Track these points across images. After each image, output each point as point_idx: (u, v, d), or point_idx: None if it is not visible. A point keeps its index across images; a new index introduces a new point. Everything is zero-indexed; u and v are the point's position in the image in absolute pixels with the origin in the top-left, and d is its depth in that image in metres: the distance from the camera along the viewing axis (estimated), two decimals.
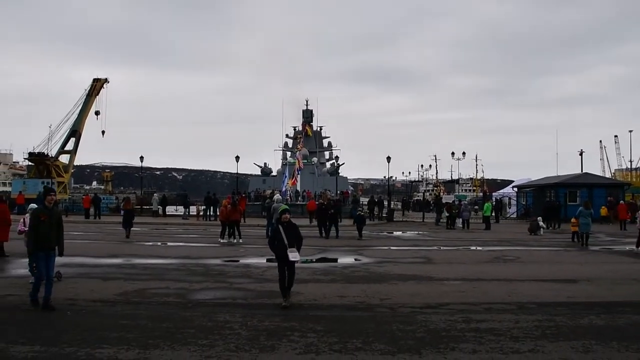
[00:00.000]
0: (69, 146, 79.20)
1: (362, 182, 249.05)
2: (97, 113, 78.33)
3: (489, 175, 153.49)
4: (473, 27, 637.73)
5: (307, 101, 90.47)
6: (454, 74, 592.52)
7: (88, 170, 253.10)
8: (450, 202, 45.73)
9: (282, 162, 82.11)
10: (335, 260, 19.64)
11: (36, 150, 76.10)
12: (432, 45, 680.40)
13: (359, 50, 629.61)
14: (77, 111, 78.24)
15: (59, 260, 10.97)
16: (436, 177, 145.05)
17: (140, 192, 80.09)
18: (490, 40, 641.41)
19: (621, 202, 40.18)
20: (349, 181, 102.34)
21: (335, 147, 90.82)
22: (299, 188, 56.23)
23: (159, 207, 49.42)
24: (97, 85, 78.57)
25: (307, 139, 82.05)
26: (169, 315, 9.92)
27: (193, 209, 48.38)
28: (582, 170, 57.68)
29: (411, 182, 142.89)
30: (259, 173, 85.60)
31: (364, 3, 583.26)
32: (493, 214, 41.23)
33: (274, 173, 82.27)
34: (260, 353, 7.64)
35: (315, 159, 79.74)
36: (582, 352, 7.77)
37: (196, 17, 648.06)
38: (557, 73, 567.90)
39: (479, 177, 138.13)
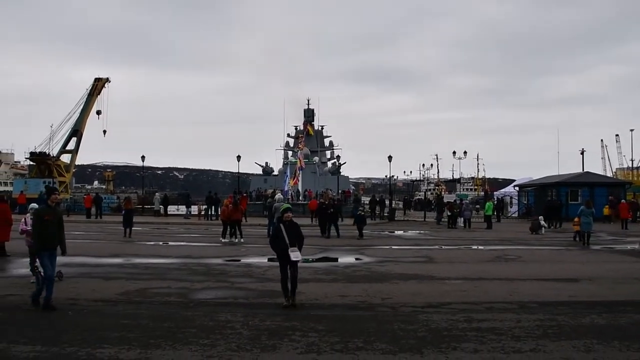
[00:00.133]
0: (71, 146, 79.49)
1: (364, 182, 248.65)
2: (98, 112, 78.56)
3: (490, 174, 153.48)
4: (473, 27, 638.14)
5: (308, 101, 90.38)
6: (454, 74, 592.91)
7: (89, 170, 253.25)
8: (452, 201, 45.70)
9: (284, 162, 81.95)
10: (337, 259, 19.63)
11: (37, 150, 76.27)
12: (432, 45, 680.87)
13: (359, 50, 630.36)
14: (79, 111, 78.54)
15: (60, 259, 10.98)
16: (438, 176, 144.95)
17: (141, 191, 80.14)
18: (491, 40, 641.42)
19: (623, 201, 40.13)
20: (351, 180, 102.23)
21: (337, 146, 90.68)
22: (300, 188, 56.17)
23: (161, 206, 49.41)
24: (99, 84, 78.76)
25: (309, 138, 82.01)
26: (171, 315, 9.92)
27: (194, 209, 48.35)
28: (583, 170, 57.55)
29: (413, 181, 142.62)
30: (261, 172, 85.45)
31: (364, 3, 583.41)
32: (494, 213, 41.19)
33: (276, 172, 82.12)
34: (262, 353, 7.63)
35: (316, 159, 79.60)
36: (584, 352, 7.76)
37: (196, 17, 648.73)
38: (557, 73, 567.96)
39: (480, 177, 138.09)
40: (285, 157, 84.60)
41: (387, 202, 51.76)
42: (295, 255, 10.66)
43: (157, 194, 60.67)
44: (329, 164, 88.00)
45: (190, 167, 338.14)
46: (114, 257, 18.86)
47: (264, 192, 54.46)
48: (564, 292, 12.70)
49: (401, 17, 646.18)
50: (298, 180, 55.46)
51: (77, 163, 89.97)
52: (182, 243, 25.13)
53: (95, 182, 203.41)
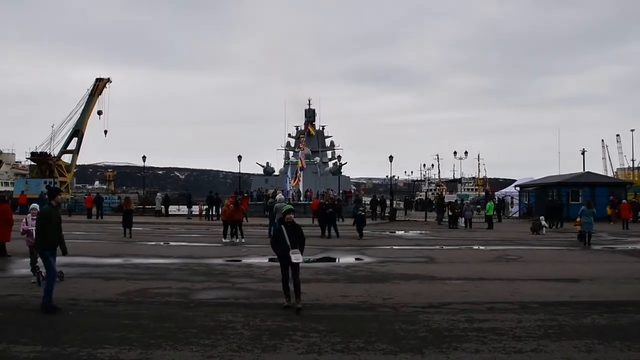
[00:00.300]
0: (72, 146, 79.49)
1: (365, 182, 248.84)
2: (99, 113, 78.56)
3: (491, 174, 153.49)
4: (473, 27, 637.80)
5: (309, 101, 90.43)
6: (454, 74, 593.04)
7: (90, 170, 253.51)
8: (453, 201, 45.68)
9: (285, 162, 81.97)
10: (338, 259, 19.65)
11: (38, 150, 76.26)
12: (433, 45, 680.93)
13: (359, 50, 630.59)
14: (80, 111, 78.54)
15: (60, 260, 10.99)
16: (438, 176, 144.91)
17: (142, 191, 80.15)
18: (491, 40, 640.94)
19: (624, 201, 40.09)
20: (352, 181, 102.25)
21: (338, 146, 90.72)
22: (301, 188, 56.18)
23: (162, 206, 49.43)
24: (100, 85, 78.78)
25: (310, 138, 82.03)
26: (171, 315, 9.92)
27: (196, 209, 48.38)
28: (584, 170, 57.54)
29: (414, 181, 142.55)
30: (262, 173, 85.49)
31: (363, 3, 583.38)
32: (495, 214, 41.18)
33: (277, 172, 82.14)
34: (263, 353, 7.63)
35: (317, 159, 79.64)
36: (585, 352, 7.75)
37: (196, 17, 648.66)
38: (557, 73, 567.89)
39: (481, 177, 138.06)
40: (286, 157, 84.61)
41: (388, 202, 51.71)
42: (296, 257, 10.54)
43: (158, 194, 60.70)
44: (330, 164, 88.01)
45: (191, 167, 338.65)
46: (115, 257, 18.87)
47: (265, 192, 54.45)
48: (565, 292, 12.69)
49: (401, 17, 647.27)
50: (299, 181, 55.48)
51: (78, 163, 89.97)
52: (183, 243, 25.13)
53: (96, 182, 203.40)
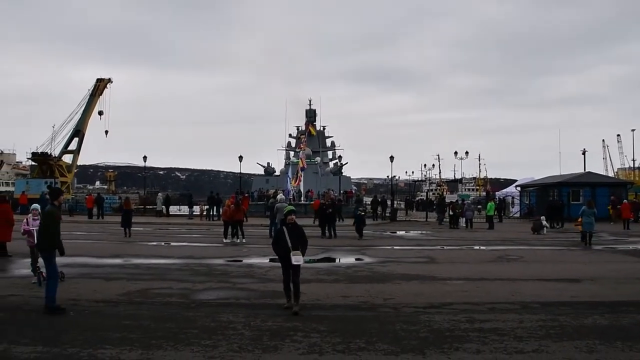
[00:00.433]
0: (72, 146, 79.54)
1: (366, 182, 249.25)
2: (100, 113, 78.61)
3: (492, 174, 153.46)
4: (473, 27, 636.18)
5: (310, 101, 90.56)
6: (454, 74, 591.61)
7: (91, 170, 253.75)
8: (454, 201, 45.67)
9: (285, 162, 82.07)
10: (339, 260, 19.66)
11: (39, 150, 76.29)
12: (433, 45, 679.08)
13: (359, 50, 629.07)
14: (81, 111, 78.59)
15: (61, 260, 10.96)
16: (439, 176, 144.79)
17: (143, 191, 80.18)
18: (491, 40, 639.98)
19: (625, 201, 40.07)
20: (352, 181, 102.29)
21: (339, 146, 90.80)
22: (302, 188, 56.19)
23: (163, 206, 49.47)
24: (101, 85, 78.85)
25: (310, 138, 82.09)
26: (172, 316, 9.91)
27: (197, 209, 48.40)
28: (585, 170, 57.54)
29: (414, 181, 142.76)
30: (262, 173, 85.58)
31: (364, 3, 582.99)
32: (496, 214, 41.16)
33: (277, 173, 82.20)
34: (264, 353, 7.62)
35: (318, 159, 79.76)
36: (586, 352, 7.74)
37: (196, 17, 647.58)
38: (557, 73, 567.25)
39: (482, 177, 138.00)
40: (287, 157, 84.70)
41: (388, 202, 51.71)
42: (296, 259, 10.38)
43: (159, 194, 60.72)
44: (331, 164, 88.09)
45: (192, 168, 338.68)
46: (116, 258, 18.87)
47: (266, 193, 54.46)
48: (566, 292, 12.67)
49: (401, 17, 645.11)
50: (300, 181, 55.50)
51: (78, 163, 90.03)
52: (183, 243, 25.13)
53: (97, 183, 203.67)
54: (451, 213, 38.26)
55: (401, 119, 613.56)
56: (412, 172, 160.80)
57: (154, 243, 25.12)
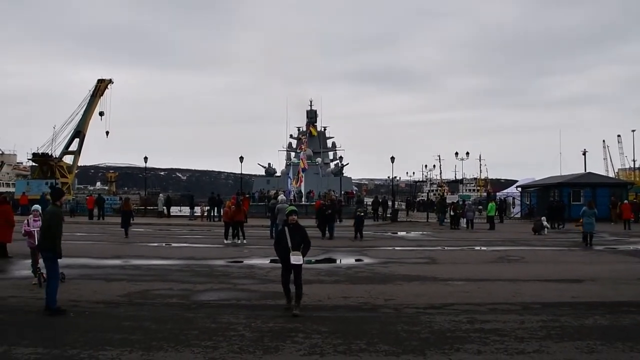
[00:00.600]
0: (73, 147, 79.57)
1: (366, 183, 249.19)
2: (101, 114, 78.68)
3: (492, 175, 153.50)
4: (474, 28, 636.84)
5: (311, 101, 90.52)
6: (455, 74, 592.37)
7: (92, 171, 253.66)
8: (455, 201, 45.68)
9: (286, 163, 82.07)
10: (339, 261, 19.65)
11: (40, 151, 76.28)
12: (433, 45, 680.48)
13: (360, 50, 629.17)
14: (81, 112, 78.65)
15: (61, 261, 10.92)
16: (440, 177, 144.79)
17: (144, 192, 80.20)
18: (491, 40, 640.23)
19: (626, 201, 40.06)
20: (353, 181, 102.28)
21: (339, 147, 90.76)
22: (303, 189, 56.14)
23: (164, 207, 49.49)
24: (102, 86, 78.88)
25: (311, 139, 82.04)
26: (173, 317, 9.90)
27: (198, 210, 48.40)
28: (585, 170, 57.59)
29: (415, 182, 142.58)
30: (263, 173, 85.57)
31: (365, 3, 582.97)
32: (497, 214, 41.16)
33: (278, 173, 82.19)
34: (264, 354, 7.61)
35: (319, 159, 79.75)
36: (587, 353, 7.74)
37: (196, 17, 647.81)
38: (558, 73, 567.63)
39: (482, 177, 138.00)
40: (288, 158, 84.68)
41: (389, 203, 51.70)
42: (295, 258, 10.27)
43: (160, 195, 60.70)
44: (332, 165, 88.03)
45: (193, 168, 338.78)
46: (116, 259, 18.85)
47: (267, 193, 54.44)
48: (567, 293, 12.67)
49: (401, 17, 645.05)
50: (301, 182, 55.46)
51: (79, 164, 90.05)
52: (184, 244, 25.11)
53: (98, 183, 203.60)
54: (452, 214, 38.25)
55: (402, 119, 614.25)
56: (413, 172, 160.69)
57: (155, 244, 25.09)
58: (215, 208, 44.67)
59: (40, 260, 11.82)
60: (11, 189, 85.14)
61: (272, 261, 17.36)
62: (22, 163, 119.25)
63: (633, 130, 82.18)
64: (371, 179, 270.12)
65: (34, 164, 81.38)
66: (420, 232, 33.93)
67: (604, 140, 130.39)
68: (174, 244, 25.06)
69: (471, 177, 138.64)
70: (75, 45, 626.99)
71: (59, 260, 10.62)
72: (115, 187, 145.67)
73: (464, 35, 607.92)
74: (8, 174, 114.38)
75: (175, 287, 13.19)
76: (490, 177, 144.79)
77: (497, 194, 63.36)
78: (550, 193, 46.35)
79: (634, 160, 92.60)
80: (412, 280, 14.62)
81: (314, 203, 42.05)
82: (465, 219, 37.21)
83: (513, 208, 53.63)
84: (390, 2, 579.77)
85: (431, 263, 18.60)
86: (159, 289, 12.84)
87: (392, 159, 57.39)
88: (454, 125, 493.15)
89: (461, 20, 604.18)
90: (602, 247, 24.17)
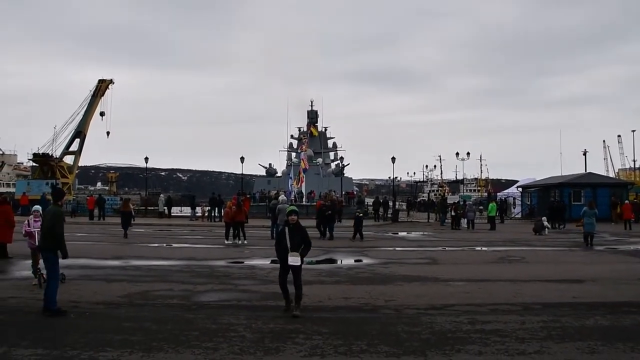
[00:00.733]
0: (74, 147, 79.65)
1: (367, 183, 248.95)
2: (102, 114, 78.79)
3: (493, 175, 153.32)
4: (474, 28, 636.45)
5: (312, 102, 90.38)
6: (456, 74, 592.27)
7: (92, 171, 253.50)
8: (456, 202, 45.68)
9: (287, 163, 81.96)
10: (340, 261, 19.64)
11: (41, 151, 76.33)
12: (434, 45, 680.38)
13: (361, 51, 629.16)
14: (82, 112, 78.77)
15: (62, 262, 10.91)
16: (441, 177, 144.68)
17: (145, 193, 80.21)
18: (492, 40, 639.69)
19: (627, 201, 40.02)
20: (354, 182, 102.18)
21: (340, 147, 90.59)
22: (304, 189, 56.12)
23: (165, 208, 49.48)
24: (102, 86, 78.99)
25: (312, 139, 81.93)
26: (173, 318, 9.88)
27: (198, 210, 48.39)
28: (586, 170, 57.56)
29: (416, 182, 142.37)
30: (264, 174, 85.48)
31: (365, 3, 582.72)
32: (498, 214, 41.16)
33: (279, 174, 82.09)
34: (265, 356, 7.60)
35: (320, 160, 79.58)
36: (588, 353, 7.73)
37: (197, 17, 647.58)
38: (558, 73, 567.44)
39: (483, 177, 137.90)
40: (289, 158, 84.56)
41: (390, 203, 51.68)
42: (292, 259, 10.14)
43: (161, 195, 60.68)
44: (333, 165, 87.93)
45: (194, 169, 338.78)
46: (116, 259, 18.85)
47: (268, 194, 54.40)
48: (567, 293, 12.66)
49: (401, 17, 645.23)
50: (302, 182, 55.44)
51: (80, 164, 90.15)
52: (185, 245, 25.10)
53: (99, 184, 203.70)
54: (453, 214, 38.24)
55: (403, 119, 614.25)
56: (414, 173, 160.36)
57: (156, 244, 25.08)
58: (216, 208, 44.65)
59: (41, 261, 11.79)
60: (11, 189, 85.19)
61: (272, 262, 17.35)
62: (22, 163, 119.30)
63: (633, 131, 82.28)
64: (372, 179, 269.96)
65: (34, 164, 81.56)
66: (421, 233, 33.93)
67: (604, 141, 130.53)
68: (174, 245, 25.06)
69: (472, 177, 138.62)
70: (75, 45, 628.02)
71: (62, 260, 10.61)
72: (116, 188, 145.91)
73: (464, 35, 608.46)
74: (8, 174, 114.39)
75: (176, 287, 13.18)
76: (490, 177, 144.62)
77: (498, 194, 63.28)
78: (551, 193, 46.36)
79: (634, 161, 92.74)
80: (413, 280, 14.61)
81: (315, 203, 42.05)
82: (466, 220, 37.20)
83: (514, 208, 53.60)
84: (390, 2, 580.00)
85: (432, 263, 18.59)
86: (159, 290, 12.83)
87: (393, 159, 57.34)
88: (454, 125, 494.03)
89: (461, 20, 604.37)
90: (602, 247, 24.16)
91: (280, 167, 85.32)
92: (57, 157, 77.44)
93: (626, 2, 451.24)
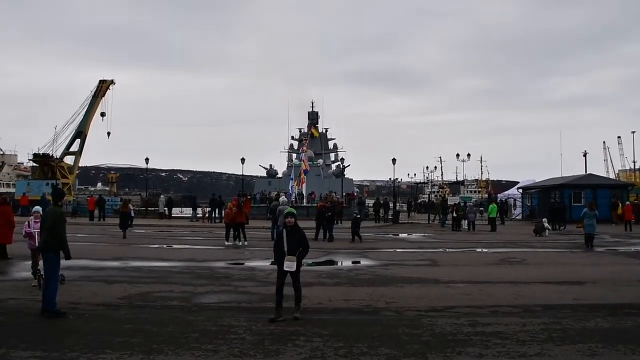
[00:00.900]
0: (74, 147, 79.60)
1: (368, 184, 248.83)
2: (102, 114, 78.69)
3: (493, 176, 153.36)
4: (475, 28, 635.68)
5: (312, 103, 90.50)
6: (457, 76, 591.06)
7: (93, 172, 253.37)
8: (456, 203, 45.66)
9: (288, 164, 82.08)
10: (340, 263, 19.62)
11: (41, 152, 76.32)
12: (435, 46, 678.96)
13: (362, 52, 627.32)
14: (83, 112, 78.72)
15: (62, 263, 10.88)
16: (441, 178, 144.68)
17: (145, 193, 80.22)
18: (492, 41, 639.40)
19: (627, 202, 40.01)
20: (355, 183, 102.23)
21: (341, 148, 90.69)
22: (304, 190, 56.11)
23: (165, 208, 49.47)
24: (103, 86, 78.97)
25: (313, 140, 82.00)
26: (173, 320, 9.87)
27: (199, 211, 48.38)
28: (586, 171, 57.53)
29: (417, 183, 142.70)
30: (265, 175, 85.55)
31: (365, 3, 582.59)
32: (498, 216, 41.14)
33: (280, 175, 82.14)
34: (265, 358, 7.58)
35: (320, 161, 79.69)
36: (589, 356, 7.72)
37: (197, 17, 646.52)
38: (558, 74, 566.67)
39: (484, 179, 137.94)
40: (290, 159, 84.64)
41: (391, 204, 51.68)
42: (288, 265, 9.99)
43: (162, 196, 60.65)
44: (333, 166, 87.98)
45: (194, 169, 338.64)
46: (117, 260, 18.82)
47: (268, 195, 54.39)
48: (568, 295, 12.64)
49: (401, 17, 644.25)
50: (303, 183, 55.43)
51: (80, 165, 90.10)
52: (185, 246, 25.11)
53: (99, 184, 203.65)
54: (454, 215, 38.23)
55: (403, 120, 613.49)
56: (414, 174, 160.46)
57: (156, 245, 25.05)
58: (217, 209, 44.63)
59: (41, 262, 11.76)
60: (11, 190, 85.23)
61: (273, 263, 17.28)
62: (22, 163, 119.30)
63: (633, 132, 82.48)
64: (372, 181, 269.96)
65: (34, 164, 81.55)
66: (422, 234, 33.93)
67: (604, 142, 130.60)
68: (174, 246, 25.05)
69: (472, 178, 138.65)
70: (75, 45, 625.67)
71: (63, 261, 10.58)
72: (117, 188, 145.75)
73: (464, 36, 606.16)
74: (8, 174, 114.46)
75: (176, 289, 13.16)
76: (491, 178, 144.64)
77: (498, 195, 63.23)
78: (551, 194, 46.36)
79: (634, 162, 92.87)
80: (414, 282, 14.59)
81: (316, 204, 42.00)
82: (466, 221, 37.18)
83: (514, 209, 53.58)
84: (390, 2, 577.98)
85: (432, 265, 18.57)
86: (159, 292, 12.82)
87: (394, 160, 57.34)
88: (454, 126, 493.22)
89: (461, 20, 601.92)
90: (603, 248, 24.15)
91: (280, 168, 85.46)
92: (58, 157, 77.38)
93: (626, 2, 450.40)
